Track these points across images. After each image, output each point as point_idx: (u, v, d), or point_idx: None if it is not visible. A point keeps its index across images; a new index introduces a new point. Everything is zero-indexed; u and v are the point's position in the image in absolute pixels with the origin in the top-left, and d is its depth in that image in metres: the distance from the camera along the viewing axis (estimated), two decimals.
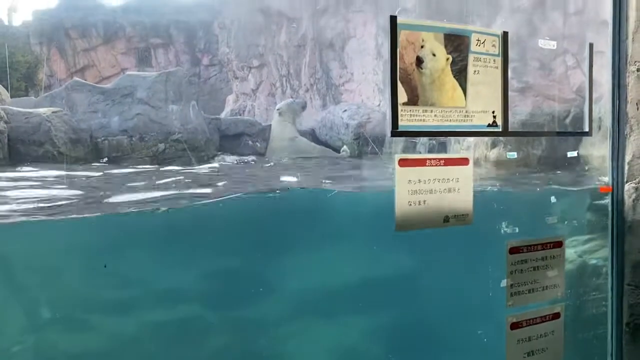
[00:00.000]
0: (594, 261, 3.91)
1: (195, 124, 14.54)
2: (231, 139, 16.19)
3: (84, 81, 16.45)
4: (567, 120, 6.49)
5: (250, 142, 16.32)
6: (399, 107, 2.50)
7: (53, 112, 12.85)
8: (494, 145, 7.46)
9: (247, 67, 26.94)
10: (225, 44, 28.31)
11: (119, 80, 15.64)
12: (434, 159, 2.62)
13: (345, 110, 18.21)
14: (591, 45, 3.26)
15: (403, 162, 2.54)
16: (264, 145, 16.53)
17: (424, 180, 2.58)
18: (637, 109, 3.23)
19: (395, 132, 2.48)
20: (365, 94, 20.56)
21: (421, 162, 2.59)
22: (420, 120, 2.55)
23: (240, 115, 24.82)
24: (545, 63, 9.18)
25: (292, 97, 22.30)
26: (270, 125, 17.83)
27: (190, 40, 31.72)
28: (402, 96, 2.51)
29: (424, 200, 2.58)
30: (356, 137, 16.98)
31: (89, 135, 13.56)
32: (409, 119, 2.52)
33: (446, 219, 2.66)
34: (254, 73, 26.73)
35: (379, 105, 19.20)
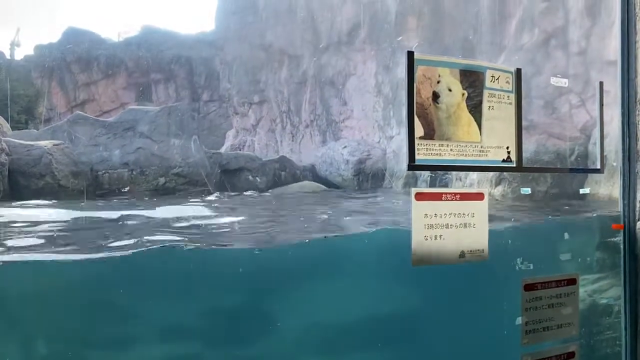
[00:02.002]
0: (604, 300, 3.86)
1: (197, 158, 14.57)
2: (232, 173, 16.22)
3: (86, 114, 16.55)
4: (572, 158, 6.53)
5: (250, 177, 16.34)
6: (416, 141, 2.49)
7: (54, 145, 12.87)
8: (498, 182, 7.45)
9: (247, 102, 27.17)
10: (226, 80, 28.62)
11: (121, 114, 15.74)
12: (449, 193, 2.61)
13: (345, 147, 18.37)
14: (601, 84, 3.28)
15: (419, 196, 2.52)
16: (264, 180, 16.56)
17: (440, 214, 2.56)
18: None
19: (412, 166, 2.47)
20: (365, 131, 20.71)
21: (437, 196, 2.57)
22: (437, 154, 2.55)
23: (240, 150, 24.91)
24: (549, 101, 9.31)
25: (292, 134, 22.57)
26: (270, 160, 17.95)
27: (190, 75, 32.06)
28: (419, 130, 2.51)
29: (440, 235, 2.56)
30: (356, 173, 17.05)
31: (89, 168, 13.55)
32: (425, 153, 2.52)
33: (462, 255, 2.63)
34: (255, 109, 26.95)
35: (378, 141, 19.33)
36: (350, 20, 21.54)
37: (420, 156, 2.51)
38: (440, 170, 2.63)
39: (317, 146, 22.12)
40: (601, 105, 3.25)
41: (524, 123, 3.14)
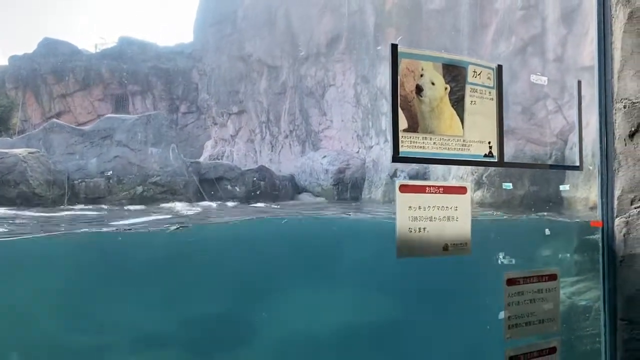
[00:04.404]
0: (583, 302, 3.90)
1: (175, 167, 14.44)
2: (210, 182, 16.09)
3: (62, 122, 16.32)
4: (549, 162, 6.63)
5: (229, 187, 16.25)
6: (400, 134, 2.50)
7: (29, 153, 12.66)
8: (477, 186, 7.53)
9: (226, 113, 27.09)
10: (205, 91, 28.53)
11: (99, 123, 15.55)
12: (433, 186, 2.62)
13: (324, 157, 18.42)
14: (579, 82, 3.35)
15: (404, 188, 2.53)
16: (243, 189, 16.49)
17: (424, 207, 2.57)
18: (625, 144, 3.29)
19: (397, 158, 2.48)
20: (345, 141, 20.80)
21: (421, 189, 2.58)
22: (420, 147, 2.56)
23: (218, 160, 24.77)
24: (526, 107, 9.49)
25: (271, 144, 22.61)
26: (249, 170, 17.94)
27: (168, 87, 31.88)
28: (403, 123, 2.52)
29: (424, 227, 2.56)
30: (335, 183, 17.10)
31: (65, 177, 13.34)
32: (409, 145, 2.53)
33: (445, 247, 2.64)
34: (233, 119, 26.87)
35: (358, 151, 19.44)
36: (329, 31, 21.68)
37: (404, 149, 2.52)
38: (423, 162, 2.64)
39: (297, 156, 22.13)
40: (579, 103, 3.31)
41: None
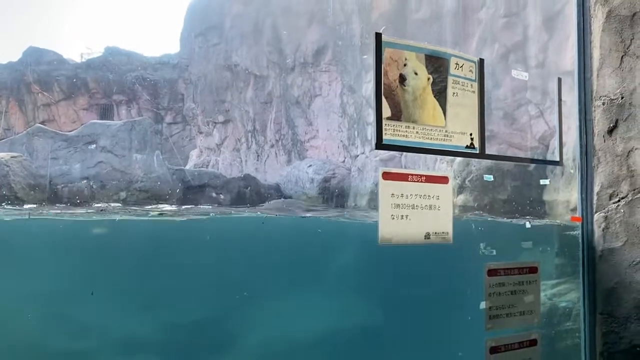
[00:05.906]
0: (564, 302, 3.95)
1: (159, 173, 14.38)
2: (195, 189, 16.03)
3: (46, 127, 16.20)
4: (531, 168, 6.74)
5: (213, 194, 16.19)
6: (384, 122, 2.53)
7: (12, 157, 12.55)
8: (460, 190, 7.58)
9: (212, 122, 27.03)
10: (190, 100, 28.46)
11: (83, 128, 15.45)
12: (415, 174, 2.66)
13: (310, 166, 18.45)
14: (560, 80, 3.41)
15: (387, 175, 2.56)
16: (228, 197, 16.43)
17: (406, 194, 2.60)
18: (604, 140, 3.36)
19: (380, 145, 2.51)
20: (331, 151, 20.89)
21: (403, 177, 2.61)
22: (403, 135, 2.60)
23: (203, 168, 24.66)
24: (509, 113, 9.62)
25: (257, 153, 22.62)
26: (234, 178, 17.92)
27: (153, 97, 31.76)
28: (386, 111, 2.55)
29: (407, 215, 2.59)
30: (321, 191, 17.13)
31: (48, 182, 13.23)
32: (392, 133, 2.56)
33: (427, 236, 2.66)
34: (219, 128, 26.81)
35: (343, 161, 19.53)
36: (315, 41, 21.83)
37: (387, 136, 2.55)
38: (406, 151, 2.67)
39: (282, 165, 22.14)
40: (559, 99, 3.38)
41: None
